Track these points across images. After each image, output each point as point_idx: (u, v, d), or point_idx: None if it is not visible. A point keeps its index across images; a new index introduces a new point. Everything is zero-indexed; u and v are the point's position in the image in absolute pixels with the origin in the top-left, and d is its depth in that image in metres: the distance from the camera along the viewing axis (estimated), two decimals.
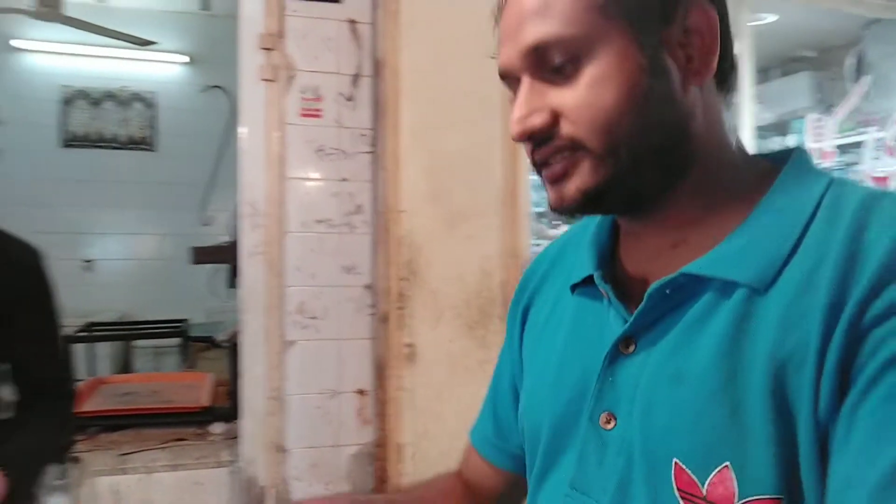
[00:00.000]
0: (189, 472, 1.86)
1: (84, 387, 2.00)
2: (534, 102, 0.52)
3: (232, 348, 2.30)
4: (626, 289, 0.57)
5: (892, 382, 0.42)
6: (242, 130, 1.83)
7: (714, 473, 0.47)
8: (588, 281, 0.59)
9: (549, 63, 0.52)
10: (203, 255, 1.94)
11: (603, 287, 0.57)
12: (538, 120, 0.52)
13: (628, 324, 0.54)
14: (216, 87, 4.51)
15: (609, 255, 0.61)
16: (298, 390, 1.85)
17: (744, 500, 0.46)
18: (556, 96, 0.52)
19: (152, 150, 4.61)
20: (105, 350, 3.73)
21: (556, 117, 0.52)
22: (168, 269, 4.50)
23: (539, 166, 0.55)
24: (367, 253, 1.89)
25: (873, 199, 0.49)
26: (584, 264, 0.61)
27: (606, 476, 0.54)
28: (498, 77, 0.56)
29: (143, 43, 3.82)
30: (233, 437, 2.08)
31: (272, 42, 1.82)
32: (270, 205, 1.81)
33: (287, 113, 1.84)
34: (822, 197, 0.51)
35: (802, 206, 0.51)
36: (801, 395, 0.45)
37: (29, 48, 4.40)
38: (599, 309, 0.58)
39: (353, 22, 1.90)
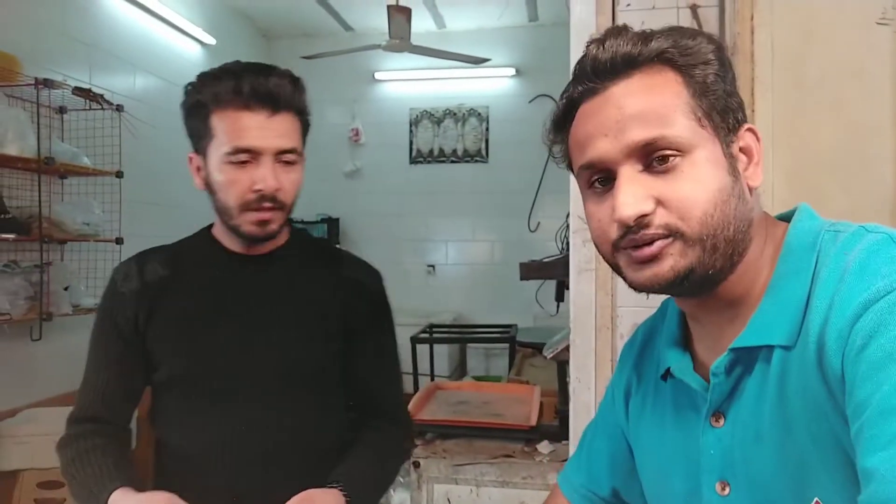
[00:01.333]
0: (516, 491, 1.83)
1: (423, 392, 2.12)
2: (638, 191, 0.59)
3: (560, 364, 2.23)
4: (705, 370, 0.65)
5: (867, 362, 0.51)
6: None
7: None
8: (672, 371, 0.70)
9: (651, 159, 0.60)
10: (530, 271, 1.90)
11: (680, 378, 0.67)
12: (647, 206, 0.59)
13: (707, 403, 0.64)
14: (543, 95, 4.58)
15: (684, 343, 0.70)
16: None
17: None
18: (655, 187, 0.59)
19: (485, 162, 4.88)
20: (443, 350, 4.03)
21: (656, 205, 0.59)
22: (498, 273, 4.71)
23: (623, 248, 0.61)
24: None
25: (844, 247, 0.58)
26: (664, 358, 0.71)
27: None
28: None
29: (478, 61, 4.03)
30: (560, 460, 2.00)
31: None
32: None
33: None
34: (818, 251, 0.60)
35: (807, 264, 0.60)
36: (833, 420, 0.54)
37: (385, 78, 5.00)
38: (691, 391, 0.67)
39: (694, 7, 1.66)
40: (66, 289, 2.85)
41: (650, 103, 0.60)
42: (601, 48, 0.63)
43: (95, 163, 3.02)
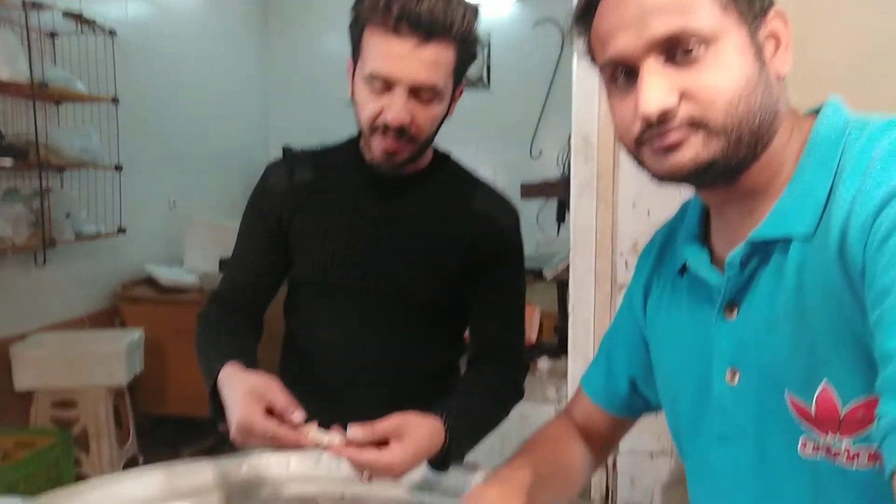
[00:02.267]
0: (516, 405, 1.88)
1: None
2: (661, 85, 0.58)
3: (560, 284, 2.26)
4: (721, 264, 0.65)
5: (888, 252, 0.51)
6: (577, 61, 1.69)
7: (817, 394, 0.58)
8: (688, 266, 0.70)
9: (675, 52, 0.58)
10: (531, 190, 1.89)
11: (696, 271, 0.68)
12: (670, 101, 0.58)
13: (721, 295, 0.65)
14: (547, 20, 4.45)
15: (703, 239, 0.71)
16: None
17: (848, 407, 0.56)
18: (679, 80, 0.58)
19: (486, 89, 4.79)
20: None
21: (680, 99, 0.58)
22: None
23: (647, 141, 0.61)
24: None
25: (871, 139, 0.57)
26: (681, 253, 0.71)
27: (744, 423, 0.65)
28: None
29: None
30: (559, 375, 2.05)
31: None
32: (604, 136, 1.66)
33: None
34: (844, 143, 0.59)
35: (832, 156, 0.59)
36: (851, 309, 0.55)
37: None
38: (706, 285, 0.67)
39: None
40: (67, 216, 2.86)
41: None
42: None
43: (90, 89, 2.97)
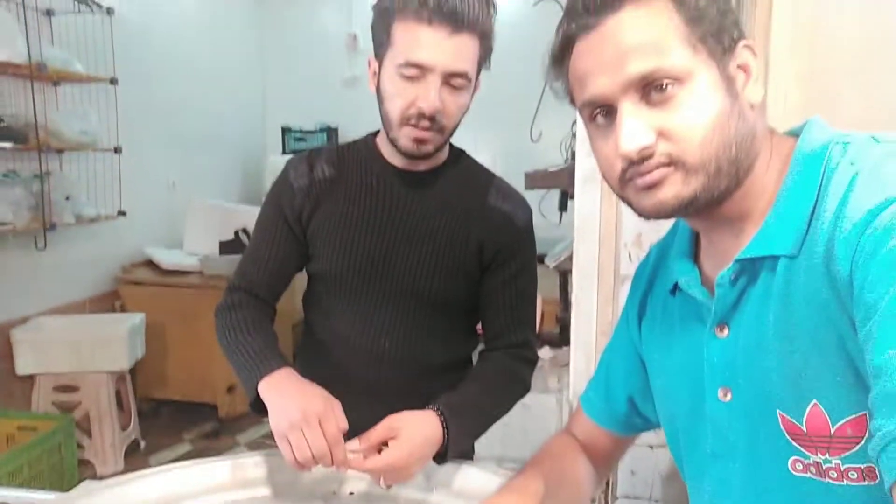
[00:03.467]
0: None
1: None
2: (639, 124, 0.60)
3: (562, 273, 2.26)
4: (711, 284, 0.67)
5: (873, 269, 0.52)
6: None
7: (807, 412, 0.59)
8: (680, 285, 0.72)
9: (650, 91, 0.60)
10: (535, 180, 1.88)
11: (687, 290, 0.70)
12: (648, 139, 0.60)
13: (711, 314, 0.66)
14: None
15: (693, 258, 0.72)
16: None
17: (837, 425, 0.58)
18: (656, 119, 0.60)
19: (486, 69, 4.74)
20: None
21: (657, 137, 0.60)
22: None
23: (630, 180, 0.63)
24: None
25: (853, 157, 0.59)
26: (672, 272, 0.73)
27: (736, 440, 0.66)
28: None
29: None
30: (561, 365, 2.06)
31: None
32: None
33: None
34: (826, 162, 0.60)
35: (814, 175, 0.61)
36: (839, 325, 0.56)
37: None
38: (697, 304, 0.69)
39: None
40: (67, 199, 2.84)
41: (644, 35, 0.60)
42: None
43: (88, 69, 2.93)
